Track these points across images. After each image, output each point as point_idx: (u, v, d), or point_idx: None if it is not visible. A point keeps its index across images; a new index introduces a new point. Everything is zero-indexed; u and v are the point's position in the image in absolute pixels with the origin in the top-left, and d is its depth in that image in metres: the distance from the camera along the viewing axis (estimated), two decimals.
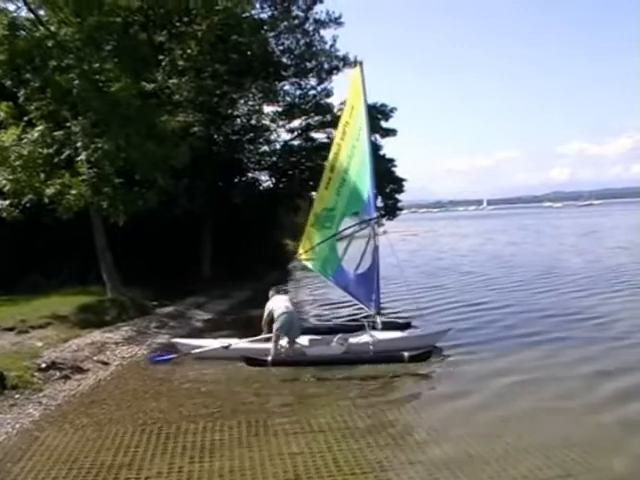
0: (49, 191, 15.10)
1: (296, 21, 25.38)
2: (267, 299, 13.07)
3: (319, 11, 25.57)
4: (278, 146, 29.09)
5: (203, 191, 22.42)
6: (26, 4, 16.18)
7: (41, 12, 16.62)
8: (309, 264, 15.60)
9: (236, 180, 28.14)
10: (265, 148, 28.76)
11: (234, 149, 25.61)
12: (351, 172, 14.23)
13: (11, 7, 16.55)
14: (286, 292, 13.47)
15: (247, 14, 23.43)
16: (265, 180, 30.34)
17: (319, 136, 29.24)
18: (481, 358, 12.50)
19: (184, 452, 7.88)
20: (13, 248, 20.09)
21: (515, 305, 18.85)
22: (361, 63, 14.58)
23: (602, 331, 14.76)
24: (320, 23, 25.76)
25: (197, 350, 13.02)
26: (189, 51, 21.57)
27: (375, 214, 13.83)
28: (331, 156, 15.00)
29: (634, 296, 19.78)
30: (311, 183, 29.42)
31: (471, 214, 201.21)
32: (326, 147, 28.63)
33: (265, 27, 24.85)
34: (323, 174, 15.20)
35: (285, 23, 25.16)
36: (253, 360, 12.10)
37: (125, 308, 16.89)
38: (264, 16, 25.25)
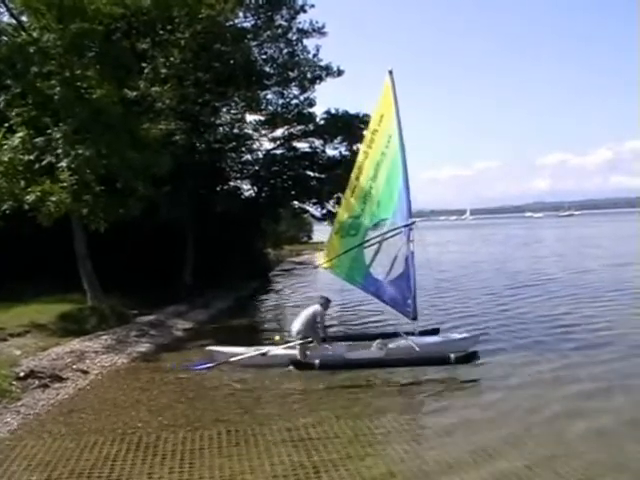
0: (29, 198, 14.96)
1: (279, 30, 25.48)
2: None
3: (302, 20, 25.79)
4: (260, 155, 29.20)
5: (185, 199, 22.35)
6: (8, 10, 16.14)
7: (23, 18, 16.55)
8: (334, 272, 15.60)
9: (218, 188, 28.09)
10: (247, 157, 28.82)
11: (216, 157, 25.56)
12: (379, 179, 14.17)
13: None
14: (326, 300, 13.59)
15: (230, 23, 23.50)
16: (247, 189, 30.34)
17: (301, 145, 29.42)
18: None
19: (163, 462, 7.84)
20: None
21: None
22: (391, 72, 14.26)
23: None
24: (303, 32, 25.94)
25: (235, 358, 13.00)
26: (172, 59, 21.51)
27: (410, 220, 13.53)
28: (357, 164, 15.01)
29: None
30: (293, 192, 29.50)
31: (452, 224, 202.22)
32: (308, 156, 28.90)
33: (248, 36, 24.92)
34: (349, 182, 15.14)
35: (268, 32, 25.26)
36: (302, 364, 12.47)
37: (105, 317, 16.75)
38: (247, 25, 25.38)
